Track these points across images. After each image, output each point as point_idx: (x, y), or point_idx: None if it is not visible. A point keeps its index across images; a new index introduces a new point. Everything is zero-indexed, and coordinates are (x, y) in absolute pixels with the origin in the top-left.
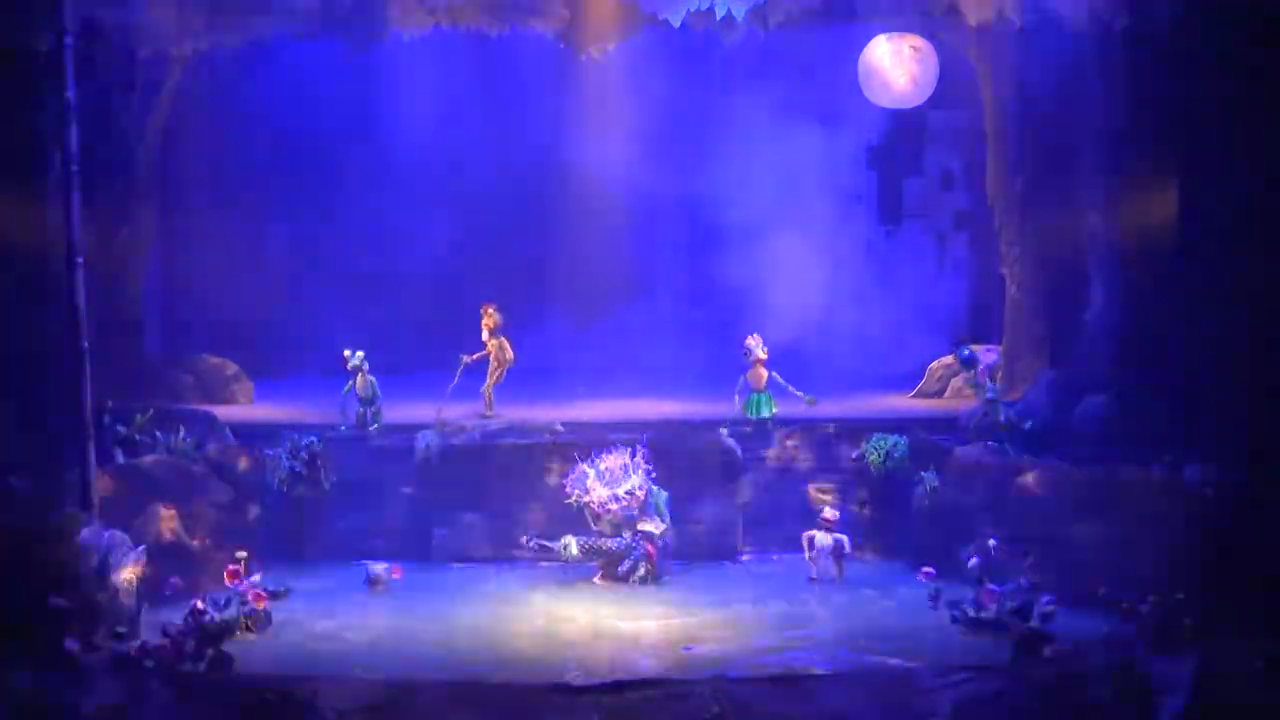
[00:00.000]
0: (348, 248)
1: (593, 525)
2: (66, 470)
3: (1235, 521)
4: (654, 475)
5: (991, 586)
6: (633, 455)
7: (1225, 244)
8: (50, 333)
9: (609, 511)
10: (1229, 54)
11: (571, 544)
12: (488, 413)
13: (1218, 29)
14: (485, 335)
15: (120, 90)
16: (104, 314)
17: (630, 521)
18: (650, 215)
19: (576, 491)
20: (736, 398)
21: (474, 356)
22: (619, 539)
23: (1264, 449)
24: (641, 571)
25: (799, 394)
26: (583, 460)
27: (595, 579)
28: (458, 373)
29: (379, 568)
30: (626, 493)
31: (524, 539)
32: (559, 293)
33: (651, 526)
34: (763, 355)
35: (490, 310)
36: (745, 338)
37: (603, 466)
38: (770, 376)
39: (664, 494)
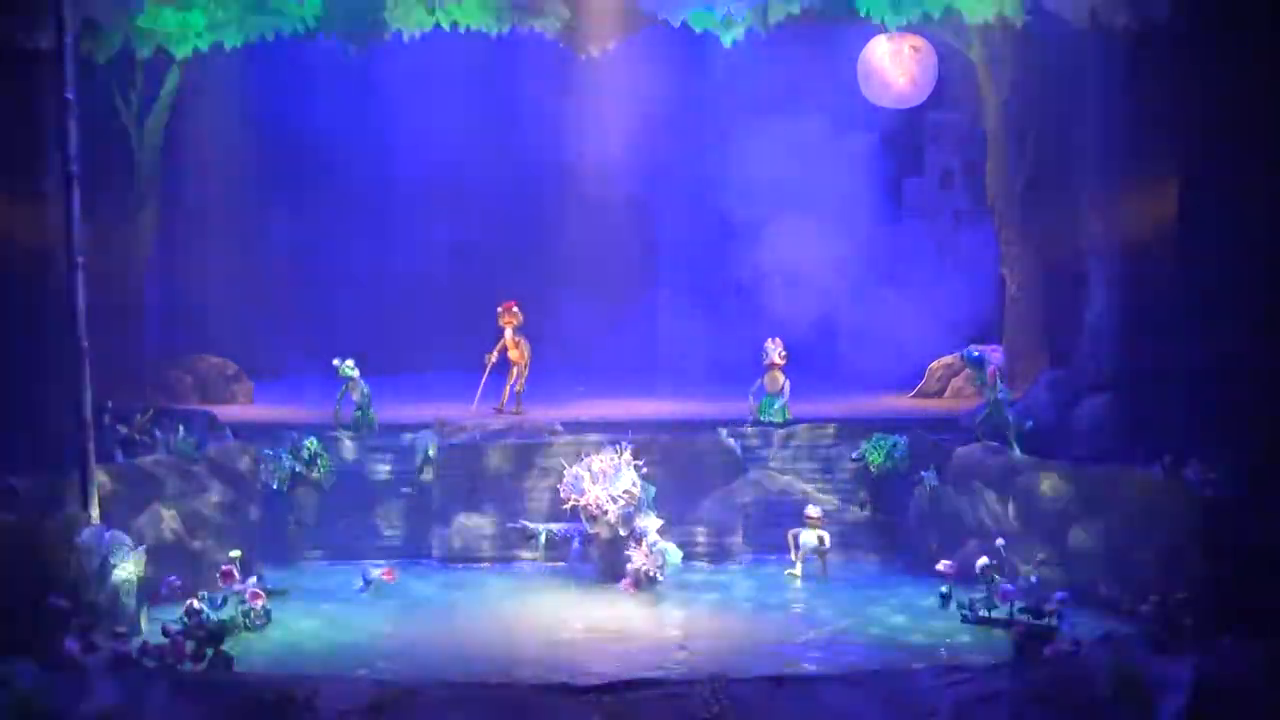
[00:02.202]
0: (347, 247)
1: (588, 528)
2: (66, 470)
3: (1235, 521)
4: (644, 471)
5: (1006, 586)
6: (620, 453)
7: (1225, 244)
8: (50, 333)
9: (605, 512)
10: (1229, 54)
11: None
12: (519, 410)
13: (1218, 28)
14: (510, 334)
15: (120, 90)
16: (104, 314)
17: (628, 519)
18: (651, 215)
19: (573, 496)
20: (751, 399)
21: (494, 355)
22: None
23: (1264, 449)
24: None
25: (786, 411)
26: (571, 463)
27: (622, 585)
28: (485, 373)
29: (375, 571)
30: (624, 491)
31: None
32: (560, 293)
33: (649, 523)
34: (780, 360)
35: (515, 309)
36: (764, 340)
37: (595, 468)
38: (785, 382)
39: (651, 489)
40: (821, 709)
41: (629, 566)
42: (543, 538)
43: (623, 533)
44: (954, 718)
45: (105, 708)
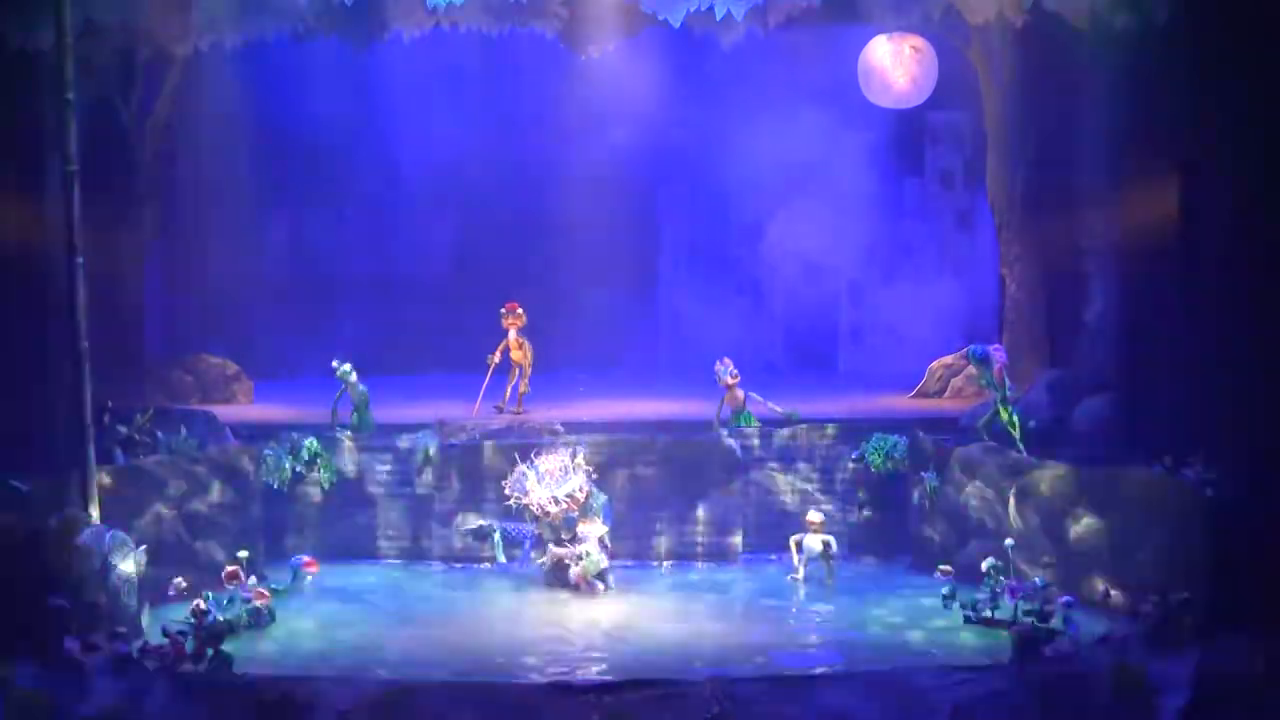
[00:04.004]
0: (347, 247)
1: (534, 528)
2: (66, 470)
3: (1235, 521)
4: (595, 478)
5: (1010, 591)
6: (573, 457)
7: (1225, 243)
8: (50, 333)
9: (548, 514)
10: (1228, 54)
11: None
12: (518, 409)
13: (1217, 28)
14: (513, 335)
15: (120, 90)
16: (104, 314)
17: (570, 525)
18: (651, 215)
19: (516, 494)
20: (716, 423)
21: (496, 355)
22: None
23: (1264, 449)
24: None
25: (779, 411)
26: (522, 461)
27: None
28: (488, 375)
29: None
30: (568, 495)
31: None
32: (560, 293)
33: (591, 529)
34: (733, 380)
35: (518, 310)
36: (715, 363)
37: (542, 469)
38: (747, 396)
39: (603, 497)
40: (821, 709)
41: (564, 568)
42: (497, 535)
43: (565, 536)
44: (954, 718)
45: (105, 708)
